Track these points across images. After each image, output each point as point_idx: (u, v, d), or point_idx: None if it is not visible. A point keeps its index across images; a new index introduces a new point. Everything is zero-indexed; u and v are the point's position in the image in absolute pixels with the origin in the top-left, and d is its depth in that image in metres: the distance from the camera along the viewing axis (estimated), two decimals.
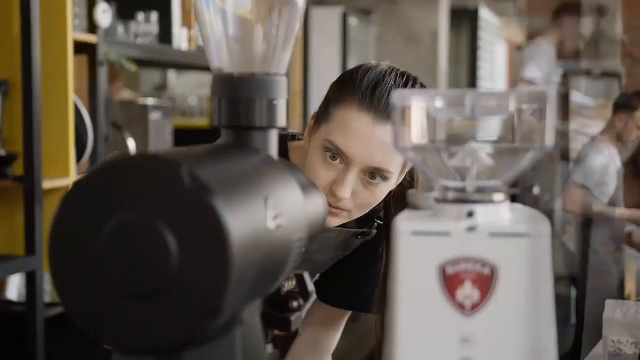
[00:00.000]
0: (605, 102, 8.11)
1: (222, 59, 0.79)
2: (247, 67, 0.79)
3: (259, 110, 0.77)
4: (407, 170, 1.31)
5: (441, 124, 0.72)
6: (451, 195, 0.70)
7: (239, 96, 0.77)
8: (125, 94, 3.82)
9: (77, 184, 0.62)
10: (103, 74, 2.66)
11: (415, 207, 0.76)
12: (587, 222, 4.38)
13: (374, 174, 1.23)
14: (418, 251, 0.68)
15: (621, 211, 4.57)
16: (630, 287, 4.40)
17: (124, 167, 0.62)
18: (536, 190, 4.55)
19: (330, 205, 1.23)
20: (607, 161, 4.26)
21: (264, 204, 0.68)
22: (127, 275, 0.60)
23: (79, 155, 2.57)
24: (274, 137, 0.79)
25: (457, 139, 0.73)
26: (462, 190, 0.70)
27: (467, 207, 0.68)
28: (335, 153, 1.22)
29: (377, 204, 1.28)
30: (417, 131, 0.71)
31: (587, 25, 9.48)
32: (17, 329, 2.37)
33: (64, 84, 2.46)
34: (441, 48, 5.57)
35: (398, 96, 0.70)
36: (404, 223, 0.68)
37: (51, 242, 0.63)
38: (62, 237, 0.63)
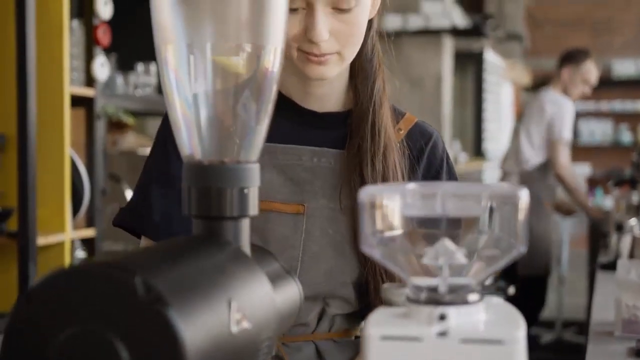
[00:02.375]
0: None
1: (192, 146, 0.77)
2: (218, 154, 0.77)
3: (230, 200, 0.75)
4: None
5: (411, 220, 0.69)
6: (423, 295, 0.67)
7: (209, 185, 0.75)
8: (131, 139, 3.82)
9: (29, 293, 0.60)
10: (100, 127, 2.66)
11: (388, 303, 0.74)
12: (535, 170, 4.42)
13: (341, 1, 1.12)
14: (388, 356, 0.65)
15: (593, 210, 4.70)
16: None
17: (77, 276, 0.59)
18: None
19: (314, 54, 1.14)
20: (572, 117, 4.39)
21: (228, 307, 0.65)
22: None
23: (76, 210, 2.56)
24: (245, 226, 0.77)
25: (429, 236, 0.70)
26: (435, 289, 0.68)
27: (439, 310, 0.66)
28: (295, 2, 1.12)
29: (362, 32, 1.17)
30: (385, 228, 0.69)
31: None
32: None
33: (60, 138, 2.45)
34: (445, 92, 5.57)
35: (365, 193, 0.68)
36: (374, 327, 0.66)
37: (2, 353, 0.61)
38: (14, 347, 0.60)
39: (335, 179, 1.21)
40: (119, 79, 2.90)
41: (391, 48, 1.32)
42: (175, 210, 1.18)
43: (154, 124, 4.37)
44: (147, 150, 3.16)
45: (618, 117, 10.16)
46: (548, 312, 5.71)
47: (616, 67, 10.07)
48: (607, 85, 10.06)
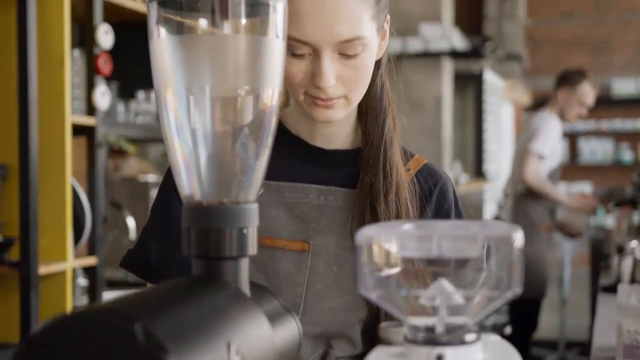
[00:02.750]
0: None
1: (191, 187, 0.78)
2: (217, 195, 0.78)
3: (229, 240, 0.76)
4: (385, 24, 1.20)
5: (408, 261, 0.70)
6: (420, 335, 0.68)
7: (208, 225, 0.76)
8: (133, 164, 3.83)
9: (29, 339, 0.61)
10: (101, 155, 2.67)
11: (386, 342, 0.74)
12: (527, 193, 4.42)
13: (347, 47, 1.11)
14: None
15: (571, 198, 4.66)
16: None
17: (78, 322, 0.60)
18: None
19: (321, 99, 1.14)
20: (557, 135, 4.39)
21: (227, 349, 0.66)
22: None
23: (77, 238, 2.56)
24: (244, 266, 0.77)
25: (426, 276, 0.71)
26: (432, 329, 0.68)
27: (436, 350, 0.66)
28: (297, 46, 1.11)
29: (369, 76, 1.17)
30: (382, 269, 0.70)
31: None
32: None
33: (62, 167, 2.46)
34: (445, 113, 5.59)
35: (362, 235, 0.69)
36: None
37: None
38: None
39: (342, 217, 1.21)
40: (120, 107, 2.92)
41: (398, 76, 1.33)
42: (173, 254, 1.19)
43: (155, 150, 4.40)
44: (148, 177, 3.18)
45: (619, 136, 10.18)
46: (551, 332, 5.69)
47: (616, 87, 10.10)
48: (607, 104, 10.09)
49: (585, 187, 10.24)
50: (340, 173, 1.25)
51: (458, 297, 0.69)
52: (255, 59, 0.78)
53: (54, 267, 2.45)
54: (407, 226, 0.71)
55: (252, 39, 0.77)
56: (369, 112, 1.25)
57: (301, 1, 1.09)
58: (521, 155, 4.40)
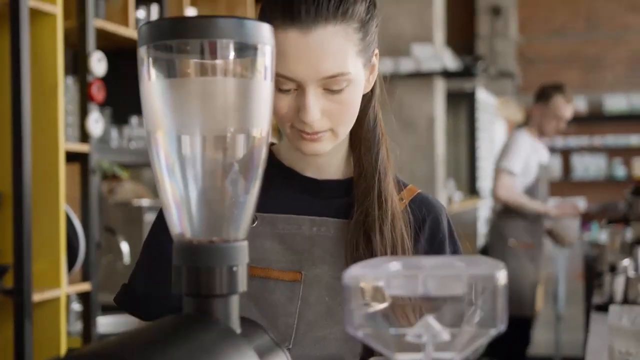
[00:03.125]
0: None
1: (182, 226, 0.79)
2: (208, 233, 0.79)
3: (219, 278, 0.77)
4: (373, 57, 1.20)
5: (395, 299, 0.72)
6: None
7: (199, 264, 0.77)
8: (127, 187, 3.84)
9: None
10: (95, 181, 2.68)
11: None
12: (504, 211, 4.40)
13: (332, 83, 1.12)
14: None
15: (553, 207, 4.60)
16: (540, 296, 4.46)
17: None
18: None
19: (307, 133, 1.15)
20: (529, 151, 4.37)
21: None
22: None
23: (71, 264, 2.57)
24: (234, 303, 0.79)
25: (413, 313, 0.73)
26: None
27: None
28: (282, 81, 1.12)
29: (355, 110, 1.18)
30: (369, 307, 0.71)
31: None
32: None
33: (56, 194, 2.47)
34: (438, 132, 5.61)
35: (349, 276, 0.70)
36: None
37: None
38: None
39: (335, 247, 1.22)
40: (114, 132, 2.93)
41: (392, 97, 1.34)
42: (164, 293, 1.21)
43: (149, 174, 4.42)
44: (142, 201, 3.19)
45: (611, 152, 10.23)
46: (546, 349, 5.70)
47: (608, 103, 10.16)
48: (600, 120, 10.15)
49: (579, 203, 10.27)
50: (333, 203, 1.26)
51: (444, 334, 0.70)
52: (244, 101, 0.79)
53: (48, 294, 2.45)
54: (394, 265, 0.72)
55: (241, 82, 0.79)
56: (362, 143, 1.26)
57: (286, 38, 1.11)
58: (494, 174, 4.44)
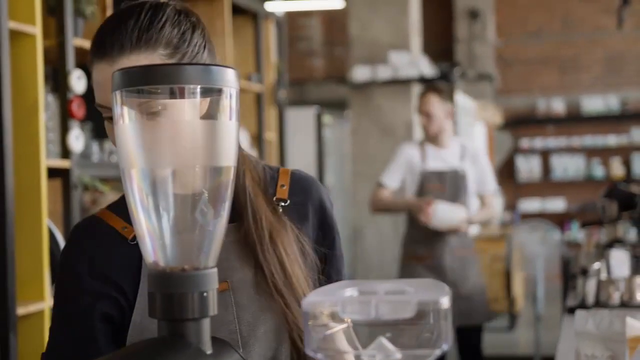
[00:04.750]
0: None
1: (155, 255, 0.86)
2: (180, 262, 0.86)
3: (191, 303, 0.84)
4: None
5: (350, 322, 0.79)
6: None
7: (172, 290, 0.84)
8: (110, 198, 3.88)
9: None
10: (76, 196, 2.74)
11: None
12: (405, 230, 4.24)
13: (147, 107, 1.07)
14: None
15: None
16: None
17: None
18: None
19: None
20: (404, 158, 4.19)
21: None
22: None
23: (54, 277, 2.62)
24: (206, 325, 0.85)
25: (367, 334, 0.80)
26: None
27: None
28: (104, 110, 1.21)
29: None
30: (327, 330, 0.78)
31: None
32: None
33: (38, 210, 2.53)
34: (416, 138, 5.70)
35: (308, 303, 0.77)
36: None
37: None
38: None
39: (243, 250, 1.28)
40: (95, 147, 2.99)
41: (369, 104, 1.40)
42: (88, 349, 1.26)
43: None
44: None
45: (590, 152, 10.37)
46: (526, 348, 5.79)
47: (585, 104, 10.30)
48: (578, 121, 10.28)
49: (558, 203, 10.42)
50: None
51: (396, 354, 0.77)
52: (212, 139, 0.86)
53: (32, 307, 2.51)
54: (349, 291, 0.79)
55: (208, 122, 0.86)
56: None
57: (98, 70, 1.21)
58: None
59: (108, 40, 1.20)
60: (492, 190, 4.35)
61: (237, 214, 1.30)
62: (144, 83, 0.84)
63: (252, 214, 1.29)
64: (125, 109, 0.85)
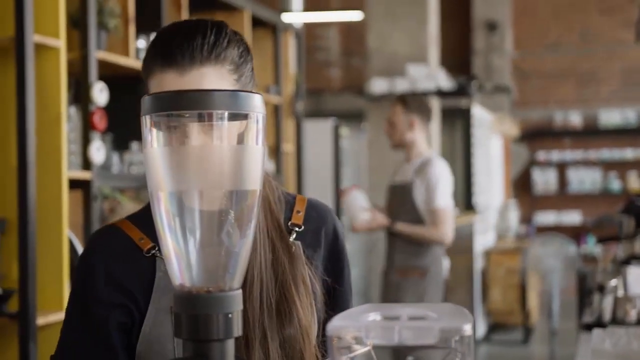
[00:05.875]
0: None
1: (182, 276, 0.88)
2: (205, 283, 0.87)
3: (216, 324, 0.86)
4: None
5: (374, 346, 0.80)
6: None
7: (197, 312, 0.86)
8: (129, 207, 3.91)
9: None
10: (97, 208, 2.77)
11: None
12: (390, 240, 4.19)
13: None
14: None
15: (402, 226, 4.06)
16: None
17: None
18: None
19: None
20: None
21: None
22: None
23: None
24: (230, 346, 0.87)
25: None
26: None
27: None
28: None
29: None
30: (351, 353, 0.79)
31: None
32: None
33: (59, 221, 2.56)
34: (433, 150, 5.69)
35: (332, 327, 0.78)
36: None
37: None
38: None
39: None
40: (115, 158, 3.02)
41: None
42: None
43: (147, 194, 4.48)
44: None
45: (607, 166, 10.32)
46: None
47: (602, 117, 10.26)
48: (595, 134, 10.24)
49: (574, 216, 10.37)
50: None
51: None
52: (238, 163, 0.88)
53: (52, 318, 2.53)
54: (372, 316, 0.81)
55: (235, 147, 0.88)
56: None
57: (165, 79, 1.21)
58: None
59: (178, 51, 1.21)
60: (441, 206, 4.16)
61: None
62: (174, 108, 0.86)
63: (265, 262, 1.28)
64: (154, 133, 0.87)
